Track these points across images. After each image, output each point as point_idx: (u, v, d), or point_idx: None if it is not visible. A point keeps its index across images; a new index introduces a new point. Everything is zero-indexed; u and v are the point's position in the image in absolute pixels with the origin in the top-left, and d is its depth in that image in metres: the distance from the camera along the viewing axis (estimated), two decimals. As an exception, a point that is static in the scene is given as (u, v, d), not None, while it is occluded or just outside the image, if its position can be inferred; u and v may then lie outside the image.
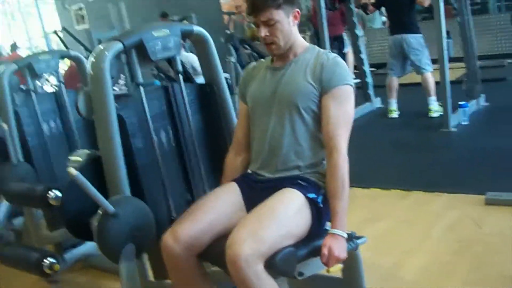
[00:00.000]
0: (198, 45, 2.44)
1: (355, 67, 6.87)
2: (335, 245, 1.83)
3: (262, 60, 2.21)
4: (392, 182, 4.04)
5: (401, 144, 5.15)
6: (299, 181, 1.95)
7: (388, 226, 3.28)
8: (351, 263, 2.31)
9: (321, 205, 1.94)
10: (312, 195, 1.93)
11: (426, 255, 2.90)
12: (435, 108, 5.70)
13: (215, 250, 1.91)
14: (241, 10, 12.22)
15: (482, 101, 5.82)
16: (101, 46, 2.08)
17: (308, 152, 2.00)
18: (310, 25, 8.53)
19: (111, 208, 1.92)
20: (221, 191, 2.05)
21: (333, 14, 7.53)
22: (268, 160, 2.03)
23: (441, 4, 4.94)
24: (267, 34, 1.97)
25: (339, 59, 2.00)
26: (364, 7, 6.16)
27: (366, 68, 6.49)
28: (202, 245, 1.91)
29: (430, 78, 5.63)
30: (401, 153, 4.88)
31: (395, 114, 6.02)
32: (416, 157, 4.67)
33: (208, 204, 1.98)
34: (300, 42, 2.06)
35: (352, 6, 6.49)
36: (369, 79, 6.48)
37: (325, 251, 1.81)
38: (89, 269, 3.30)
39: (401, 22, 5.68)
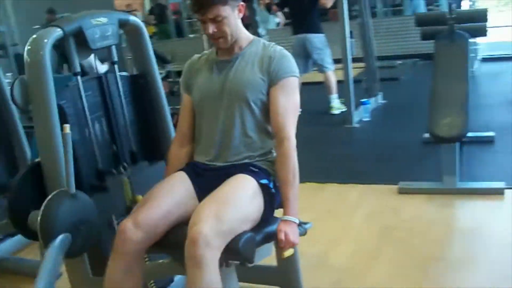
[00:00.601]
0: (132, 35, 2.38)
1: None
2: (290, 230, 1.87)
3: (205, 52, 2.19)
4: (306, 175, 4.03)
5: (308, 140, 5.27)
6: (251, 168, 1.97)
7: (310, 218, 3.34)
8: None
9: (273, 191, 1.97)
10: (264, 181, 1.95)
11: (351, 242, 3.02)
12: (336, 106, 5.94)
13: (170, 239, 1.88)
14: (131, 8, 11.99)
15: (380, 99, 6.16)
16: (38, 33, 1.97)
17: (258, 144, 2.03)
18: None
19: (73, 188, 1.85)
20: (172, 180, 2.01)
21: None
22: (219, 153, 2.03)
23: (345, 6, 5.18)
24: (215, 30, 1.96)
25: (286, 51, 2.05)
26: (267, 7, 6.25)
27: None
28: (160, 233, 1.86)
29: (332, 77, 5.86)
30: (310, 148, 5.01)
31: (297, 112, 6.17)
32: (325, 152, 4.85)
33: (163, 192, 1.93)
34: (245, 34, 2.08)
35: (255, 5, 6.59)
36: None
37: (282, 236, 1.84)
38: (2, 272, 3.09)
39: (304, 22, 5.85)
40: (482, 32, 3.91)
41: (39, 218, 1.82)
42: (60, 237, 1.83)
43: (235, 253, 1.77)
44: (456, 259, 2.71)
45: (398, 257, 2.78)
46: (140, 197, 2.25)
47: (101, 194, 2.18)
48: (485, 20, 3.76)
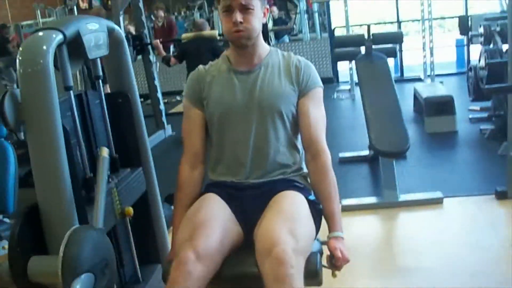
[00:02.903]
0: (114, 48, 2.05)
1: (146, 96, 6.54)
2: (343, 247, 1.76)
3: (211, 63, 1.98)
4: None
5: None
6: (296, 184, 1.84)
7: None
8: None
9: (320, 207, 1.84)
10: (312, 197, 1.84)
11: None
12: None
13: (225, 271, 1.65)
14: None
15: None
16: (33, 39, 1.62)
17: (290, 159, 1.90)
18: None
19: (101, 221, 1.57)
20: (210, 205, 1.77)
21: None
22: (251, 171, 1.85)
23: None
24: (241, 20, 1.78)
25: (309, 62, 1.95)
26: (166, 60, 5.92)
27: (160, 95, 6.32)
28: (216, 266, 1.62)
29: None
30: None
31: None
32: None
33: (211, 219, 1.68)
34: (263, 43, 1.94)
35: (152, 57, 6.30)
36: (162, 107, 6.33)
37: (339, 254, 1.72)
38: None
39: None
40: (393, 54, 4.14)
41: (61, 252, 1.48)
42: (84, 276, 1.51)
43: (315, 276, 1.63)
44: (419, 267, 2.76)
45: (367, 271, 2.77)
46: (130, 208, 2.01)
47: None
48: (401, 41, 3.98)
